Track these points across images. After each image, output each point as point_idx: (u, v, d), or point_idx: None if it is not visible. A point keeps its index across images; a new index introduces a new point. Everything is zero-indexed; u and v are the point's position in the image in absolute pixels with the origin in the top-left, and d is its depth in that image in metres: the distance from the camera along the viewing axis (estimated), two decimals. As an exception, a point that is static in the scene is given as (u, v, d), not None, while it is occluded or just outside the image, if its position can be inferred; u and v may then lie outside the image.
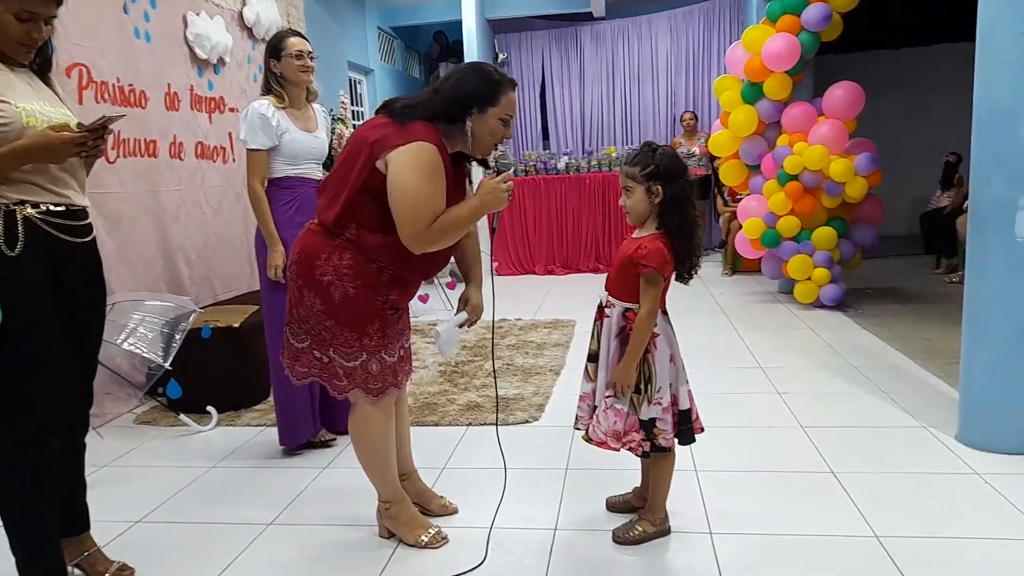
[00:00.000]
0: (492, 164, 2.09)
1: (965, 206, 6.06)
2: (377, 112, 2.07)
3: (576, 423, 2.22)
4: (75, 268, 1.89)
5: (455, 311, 2.33)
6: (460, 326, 2.23)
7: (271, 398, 3.06)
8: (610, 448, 2.07)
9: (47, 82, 1.93)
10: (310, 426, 2.98)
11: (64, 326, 1.85)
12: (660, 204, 2.01)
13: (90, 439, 2.11)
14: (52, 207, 1.81)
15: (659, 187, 2.00)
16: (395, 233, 1.93)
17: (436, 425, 3.21)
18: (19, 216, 1.74)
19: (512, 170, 2.09)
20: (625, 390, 2.03)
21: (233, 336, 3.47)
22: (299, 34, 2.90)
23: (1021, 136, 2.42)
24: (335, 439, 3.04)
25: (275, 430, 3.01)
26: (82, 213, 1.91)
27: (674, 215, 2.01)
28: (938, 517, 2.19)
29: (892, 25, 7.73)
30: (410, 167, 1.87)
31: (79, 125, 1.74)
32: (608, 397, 2.05)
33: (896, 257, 7.19)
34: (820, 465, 2.59)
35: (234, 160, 4.70)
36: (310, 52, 2.85)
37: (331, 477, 2.74)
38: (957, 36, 8.25)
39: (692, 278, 2.11)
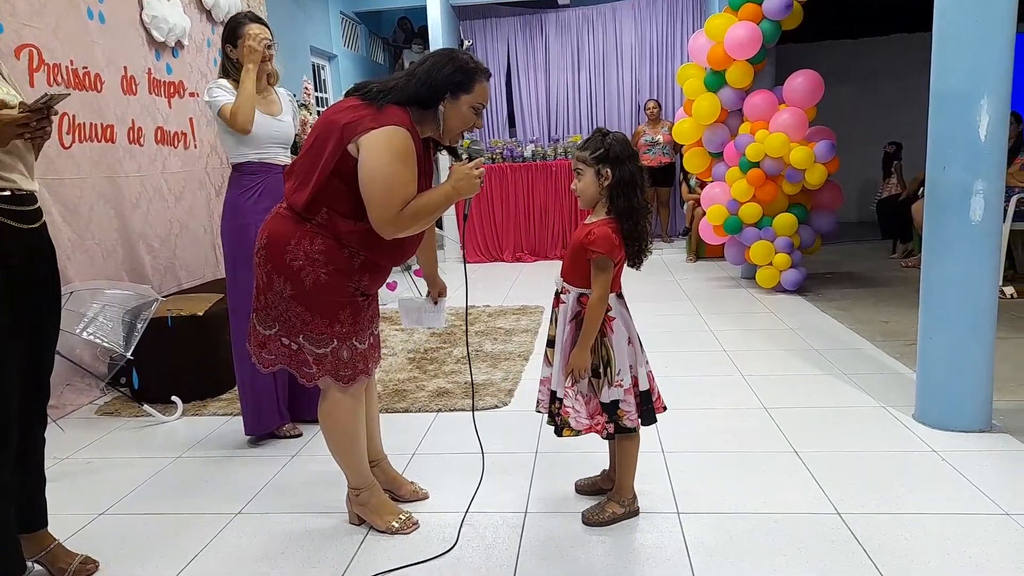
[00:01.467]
0: (462, 151, 2.10)
1: (920, 192, 6.25)
2: (347, 95, 2.04)
3: (537, 406, 2.24)
4: (24, 256, 1.79)
5: (429, 297, 2.39)
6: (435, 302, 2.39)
7: (237, 387, 3.02)
8: (595, 431, 2.09)
9: None
10: (276, 415, 2.95)
11: (15, 318, 1.77)
12: (609, 187, 2.04)
13: (50, 432, 2.06)
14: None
15: (608, 170, 2.02)
16: (367, 219, 1.91)
17: (406, 411, 3.21)
18: None
19: (483, 157, 2.10)
20: (582, 373, 2.05)
21: (197, 325, 3.41)
22: (258, 19, 2.82)
23: (975, 121, 2.49)
24: (301, 432, 3.01)
25: (241, 419, 2.98)
26: (30, 198, 1.82)
27: (622, 198, 2.03)
28: (897, 493, 2.26)
29: (850, 15, 7.89)
30: (382, 151, 1.86)
31: (22, 105, 1.67)
32: (570, 386, 2.07)
33: (854, 243, 7.36)
34: (783, 444, 2.65)
35: (195, 146, 4.60)
36: (268, 39, 2.79)
37: (299, 465, 2.72)
38: (913, 27, 8.48)
39: (642, 263, 2.13)
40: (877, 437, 2.69)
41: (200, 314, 3.42)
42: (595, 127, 7.75)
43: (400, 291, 5.54)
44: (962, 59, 2.51)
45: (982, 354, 2.64)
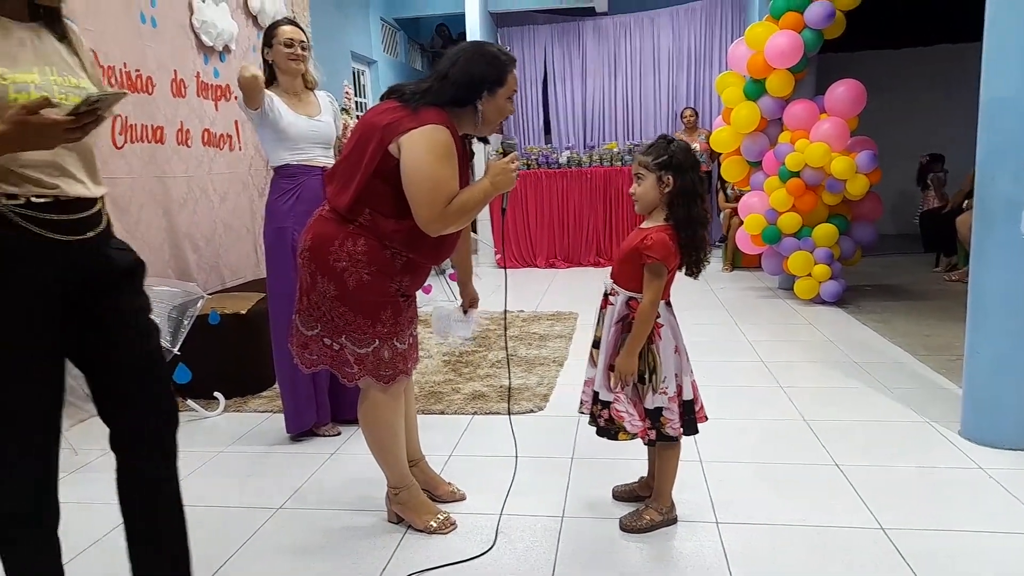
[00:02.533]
0: (499, 146, 2.13)
1: (965, 205, 6.13)
2: (383, 98, 2.08)
3: (580, 407, 2.25)
4: (79, 272, 1.51)
5: (461, 306, 2.40)
6: (464, 311, 2.40)
7: (277, 385, 3.08)
8: (648, 434, 2.09)
9: (67, 42, 1.56)
10: (313, 413, 3.00)
11: (75, 348, 1.53)
12: (669, 195, 2.03)
13: (92, 423, 2.10)
14: (34, 199, 1.45)
15: (670, 177, 2.02)
16: (410, 218, 1.94)
17: (442, 414, 3.23)
18: None
19: (517, 151, 2.14)
20: (627, 378, 2.05)
21: (241, 323, 3.47)
22: (292, 22, 2.91)
23: (1026, 132, 2.44)
24: (341, 432, 3.05)
25: (282, 416, 3.03)
26: (79, 204, 1.52)
27: (682, 207, 2.03)
28: (943, 510, 2.22)
29: (893, 24, 7.76)
30: (424, 150, 1.89)
31: (84, 103, 1.42)
32: (620, 391, 2.07)
33: (894, 255, 7.23)
34: (824, 458, 2.61)
35: (240, 148, 4.70)
36: (302, 41, 2.85)
37: (339, 463, 2.76)
38: (956, 37, 8.31)
39: (700, 272, 2.12)
40: (921, 452, 2.64)
41: (243, 312, 3.49)
42: (630, 135, 7.73)
43: (435, 295, 5.59)
44: (1013, 68, 2.46)
45: (1031, 369, 2.57)
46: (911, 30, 8.14)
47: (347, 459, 2.79)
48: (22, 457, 1.48)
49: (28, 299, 1.44)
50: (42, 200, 1.46)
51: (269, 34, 2.84)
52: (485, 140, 2.22)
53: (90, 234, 1.53)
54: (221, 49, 4.62)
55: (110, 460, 1.59)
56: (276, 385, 3.18)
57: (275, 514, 2.36)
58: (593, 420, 2.18)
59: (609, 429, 2.15)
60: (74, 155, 1.53)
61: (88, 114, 1.40)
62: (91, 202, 1.56)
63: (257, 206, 4.75)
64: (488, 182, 2.01)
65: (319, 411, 3.02)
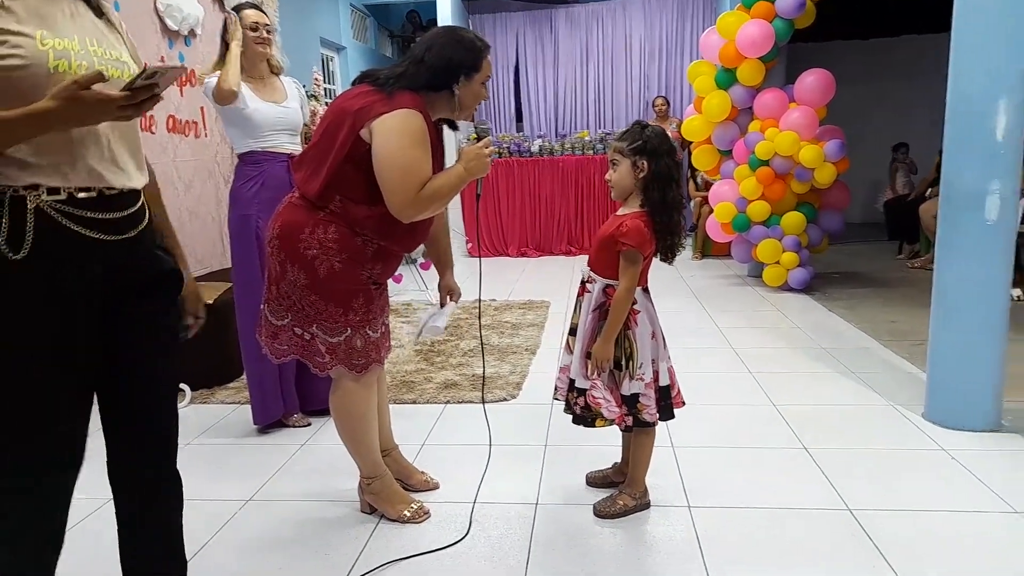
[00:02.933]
0: (473, 131, 2.12)
1: (928, 193, 6.25)
2: (355, 83, 2.05)
3: (555, 393, 2.25)
4: (119, 275, 1.38)
5: (438, 301, 2.36)
6: (441, 305, 2.32)
7: (244, 376, 3.03)
8: (625, 420, 2.09)
9: (105, 19, 1.42)
10: (281, 404, 2.96)
11: (109, 356, 1.41)
12: (644, 179, 2.03)
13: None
14: (76, 193, 1.31)
15: (644, 162, 2.02)
16: (381, 204, 1.91)
17: (414, 403, 3.21)
18: (29, 206, 1.27)
19: (491, 136, 2.11)
20: (604, 364, 2.05)
21: (207, 313, 3.40)
22: (255, 6, 2.86)
23: (992, 122, 2.48)
24: (311, 423, 3.01)
25: (249, 408, 2.98)
26: (123, 199, 1.39)
27: (656, 191, 2.03)
28: (908, 492, 2.26)
29: (861, 15, 7.86)
30: (397, 134, 1.86)
31: (142, 76, 1.27)
32: (596, 377, 2.08)
33: (860, 243, 7.35)
34: (793, 441, 2.65)
35: (206, 135, 4.60)
36: (267, 25, 2.82)
37: (310, 453, 2.73)
38: (924, 28, 8.45)
39: (674, 258, 2.13)
40: (886, 435, 2.69)
41: (210, 302, 3.42)
42: (601, 123, 7.73)
43: (405, 284, 5.55)
44: (980, 60, 2.50)
45: (993, 354, 2.64)
46: (879, 20, 8.24)
47: (318, 450, 2.76)
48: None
49: (71, 304, 1.32)
50: (85, 196, 1.32)
51: (237, 14, 2.78)
52: (454, 127, 2.19)
53: (133, 232, 1.40)
54: (187, 33, 4.50)
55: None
56: (243, 376, 3.13)
57: (244, 506, 2.32)
58: (569, 408, 2.18)
59: (585, 416, 2.15)
60: (119, 137, 1.38)
61: (145, 89, 1.25)
62: (136, 195, 1.43)
63: (223, 194, 4.66)
64: (462, 167, 1.99)
65: (286, 401, 2.98)
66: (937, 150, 6.62)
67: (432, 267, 2.43)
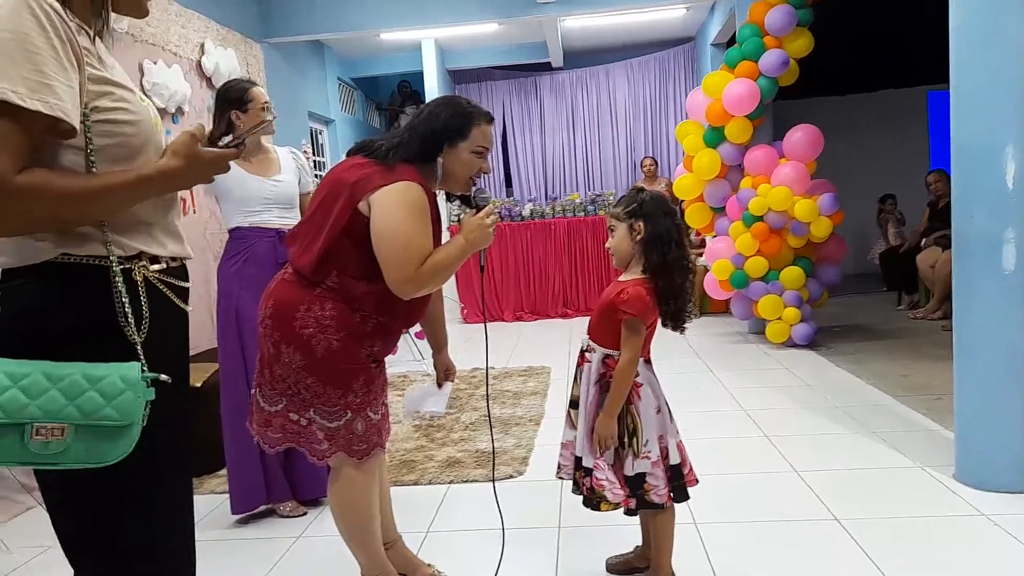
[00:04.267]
0: (472, 201, 2.02)
1: (923, 243, 6.23)
2: (350, 154, 1.97)
3: (558, 471, 2.11)
4: (182, 352, 1.34)
5: (435, 379, 2.24)
6: (439, 385, 2.22)
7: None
8: (628, 503, 1.94)
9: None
10: (262, 491, 2.76)
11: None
12: (642, 242, 1.95)
13: (29, 517, 1.88)
14: (170, 261, 1.26)
15: (640, 224, 1.94)
16: (380, 279, 1.81)
17: (416, 484, 3.03)
18: (138, 277, 1.18)
19: (491, 204, 2.02)
20: (607, 442, 1.92)
21: (194, 397, 3.25)
22: (256, 84, 2.80)
23: (999, 169, 2.43)
24: (306, 511, 2.83)
25: (242, 497, 2.80)
26: (186, 268, 1.35)
27: (656, 253, 1.93)
28: (951, 562, 2.11)
29: (840, 72, 8.06)
30: (396, 207, 1.77)
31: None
32: (599, 457, 1.94)
33: (857, 295, 7.30)
34: (822, 511, 2.49)
35: (195, 211, 4.53)
36: (268, 102, 2.75)
37: (306, 547, 2.54)
38: (900, 82, 8.67)
39: (683, 326, 2.00)
40: (919, 500, 2.54)
41: (198, 385, 3.27)
42: (591, 185, 7.76)
43: (401, 355, 5.41)
44: (981, 110, 2.47)
45: (1021, 407, 2.51)
46: (856, 77, 8.45)
47: (315, 542, 2.57)
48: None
49: (180, 384, 1.27)
50: (175, 265, 1.28)
51: (241, 97, 2.68)
52: (467, 201, 2.06)
53: (190, 306, 1.35)
54: (174, 111, 4.49)
55: (49, 558, 1.36)
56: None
57: (237, 611, 2.13)
58: (577, 487, 2.03)
59: (592, 499, 1.99)
60: (179, 208, 1.34)
61: (239, 147, 1.24)
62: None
63: (211, 272, 4.56)
64: (463, 239, 1.89)
65: (271, 488, 2.78)
66: (926, 201, 6.72)
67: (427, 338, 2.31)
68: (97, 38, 1.21)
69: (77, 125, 1.08)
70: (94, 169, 1.12)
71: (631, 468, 1.93)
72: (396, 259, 1.77)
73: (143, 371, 1.15)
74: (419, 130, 1.89)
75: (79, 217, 1.12)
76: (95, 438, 1.11)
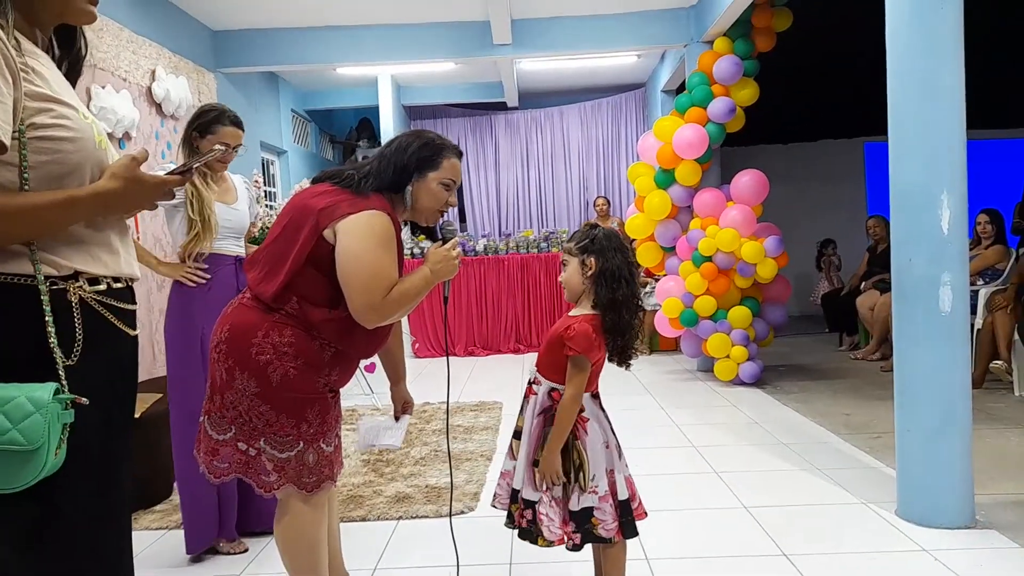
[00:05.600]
0: (438, 232, 2.03)
1: (862, 287, 6.47)
2: (316, 181, 1.95)
3: (494, 500, 2.09)
4: (125, 379, 1.29)
5: (392, 413, 2.21)
6: (396, 418, 2.17)
7: (174, 496, 2.73)
8: (572, 538, 1.92)
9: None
10: (214, 528, 2.66)
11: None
12: (592, 277, 1.97)
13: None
14: (112, 282, 1.22)
15: (592, 259, 1.97)
16: (342, 307, 1.78)
17: (364, 520, 2.95)
18: (73, 298, 1.14)
19: (457, 237, 2.03)
20: (554, 478, 1.91)
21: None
22: (239, 123, 2.72)
23: (936, 215, 2.55)
24: (248, 548, 2.71)
25: (180, 533, 2.67)
26: (132, 291, 1.31)
27: (606, 289, 1.96)
28: (897, 597, 2.14)
29: (782, 122, 8.42)
30: (363, 236, 1.76)
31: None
32: (546, 491, 1.93)
33: (800, 335, 7.51)
34: (771, 547, 2.52)
35: (138, 237, 4.39)
36: (239, 145, 2.70)
37: (247, 587, 2.43)
38: (839, 133, 9.11)
39: (628, 362, 2.01)
40: (864, 536, 2.59)
41: (136, 416, 3.13)
42: (544, 222, 7.85)
43: (350, 388, 5.30)
44: (915, 160, 2.59)
45: (960, 445, 2.60)
46: (798, 126, 8.84)
47: (258, 581, 2.46)
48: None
49: (113, 409, 1.22)
50: (119, 286, 1.23)
51: (211, 128, 2.63)
52: (432, 233, 2.08)
53: (136, 331, 1.30)
54: (121, 136, 4.38)
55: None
56: (173, 497, 2.83)
57: (171, 656, 2.01)
58: (511, 520, 2.01)
59: (530, 530, 1.97)
60: (126, 228, 1.29)
61: (185, 175, 1.23)
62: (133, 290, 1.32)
63: (155, 299, 4.41)
64: (428, 270, 1.88)
65: (223, 525, 2.68)
66: (865, 247, 7.00)
67: (377, 370, 2.27)
68: (42, 54, 1.18)
69: (8, 141, 1.05)
70: (27, 187, 1.08)
71: (576, 503, 1.92)
72: (362, 287, 1.75)
73: (60, 392, 1.09)
74: (390, 159, 1.89)
75: (2, 235, 1.07)
76: (2, 463, 1.05)
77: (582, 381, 1.92)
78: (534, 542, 1.96)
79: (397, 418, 2.19)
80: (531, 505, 1.95)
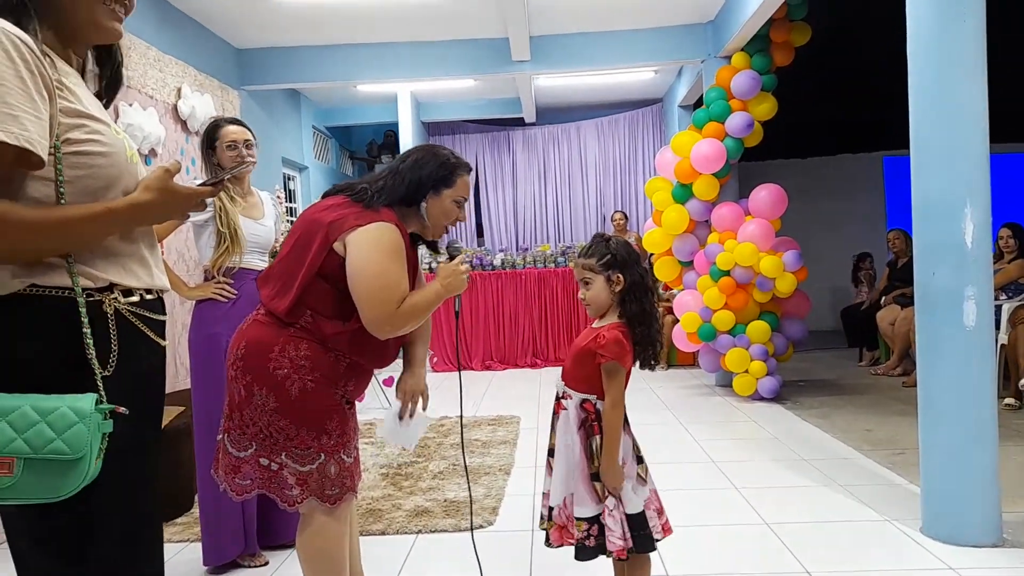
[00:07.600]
0: (443, 249, 2.06)
1: (883, 301, 6.41)
2: (327, 195, 1.98)
3: (541, 523, 2.07)
4: (154, 389, 1.31)
5: (399, 409, 2.20)
6: (400, 417, 2.11)
7: (195, 509, 2.75)
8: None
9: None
10: (240, 542, 2.67)
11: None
12: (621, 292, 1.98)
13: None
14: (145, 294, 1.24)
15: (619, 275, 1.97)
16: (354, 320, 1.81)
17: (383, 534, 2.95)
18: (108, 309, 1.17)
19: (465, 254, 2.06)
20: (618, 488, 1.91)
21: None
22: (237, 121, 2.74)
23: (959, 227, 2.54)
24: (268, 561, 2.72)
25: (199, 546, 2.69)
26: (163, 302, 1.34)
27: (634, 302, 1.97)
28: (923, 616, 2.11)
29: (801, 137, 8.39)
30: (373, 248, 1.78)
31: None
32: (614, 507, 1.92)
33: (817, 350, 7.44)
34: (794, 565, 2.49)
35: (163, 252, 4.46)
36: (247, 140, 2.69)
37: (268, 599, 2.44)
38: (857, 148, 9.06)
39: (658, 364, 2.04)
40: (888, 554, 2.55)
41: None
42: (561, 237, 7.84)
43: (368, 402, 5.32)
44: (940, 171, 2.58)
45: (986, 461, 2.56)
46: (817, 141, 8.81)
47: (278, 593, 2.48)
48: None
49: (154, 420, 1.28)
50: (151, 298, 1.26)
51: (212, 136, 2.66)
52: (434, 247, 2.11)
53: (165, 341, 1.32)
54: (147, 153, 4.46)
55: None
56: (193, 510, 2.85)
57: (193, 667, 2.02)
58: (549, 539, 1.99)
59: (591, 548, 1.91)
60: (155, 241, 1.32)
61: (216, 186, 1.26)
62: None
63: (178, 313, 4.47)
64: (439, 284, 1.92)
65: (247, 540, 2.69)
66: (886, 261, 6.93)
67: (394, 383, 2.23)
68: (74, 72, 1.22)
69: (45, 156, 1.07)
70: (63, 200, 1.11)
71: (632, 506, 1.91)
72: (374, 299, 1.77)
73: (100, 402, 1.12)
74: (404, 176, 1.92)
75: (40, 249, 1.10)
76: (46, 472, 1.08)
77: (620, 386, 1.93)
78: (593, 557, 1.91)
79: (402, 415, 2.09)
80: (595, 520, 1.92)
